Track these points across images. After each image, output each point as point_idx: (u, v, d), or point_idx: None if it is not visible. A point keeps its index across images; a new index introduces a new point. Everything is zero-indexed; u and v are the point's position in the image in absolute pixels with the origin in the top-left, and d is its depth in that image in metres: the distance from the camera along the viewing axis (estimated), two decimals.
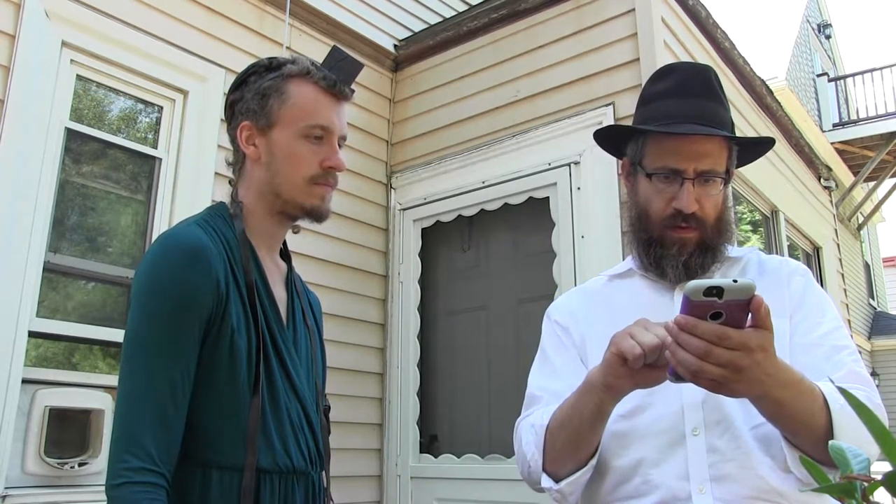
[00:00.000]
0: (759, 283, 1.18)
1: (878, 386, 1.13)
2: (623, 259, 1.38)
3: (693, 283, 0.84)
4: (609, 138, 1.34)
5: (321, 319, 1.41)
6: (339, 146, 1.25)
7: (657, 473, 1.09)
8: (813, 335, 1.13)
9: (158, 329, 1.05)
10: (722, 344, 0.86)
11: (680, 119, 1.17)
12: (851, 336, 1.21)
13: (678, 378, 0.90)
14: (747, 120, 4.17)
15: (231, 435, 1.09)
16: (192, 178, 2.99)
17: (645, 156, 1.21)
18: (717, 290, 0.82)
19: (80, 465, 2.45)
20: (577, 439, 1.07)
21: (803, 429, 0.97)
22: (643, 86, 1.30)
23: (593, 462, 1.10)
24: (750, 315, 0.86)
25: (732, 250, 1.24)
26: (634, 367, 0.95)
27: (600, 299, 1.29)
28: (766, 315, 0.87)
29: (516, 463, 1.21)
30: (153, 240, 2.83)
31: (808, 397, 0.96)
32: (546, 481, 1.12)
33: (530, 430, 1.16)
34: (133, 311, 1.08)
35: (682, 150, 1.16)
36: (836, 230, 6.28)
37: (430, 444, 3.61)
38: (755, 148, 1.31)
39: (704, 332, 0.86)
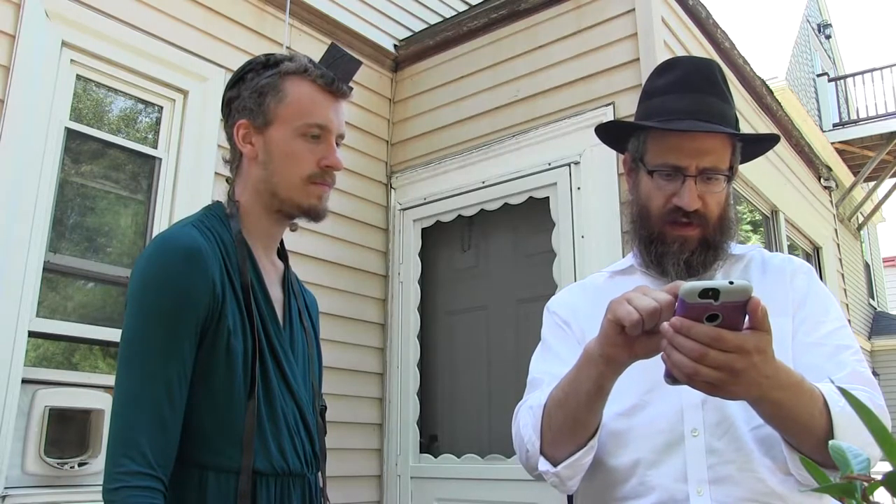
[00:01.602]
0: (761, 281, 1.18)
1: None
2: (623, 258, 1.37)
3: (688, 284, 0.82)
4: (611, 133, 1.33)
5: (318, 319, 1.40)
6: (337, 145, 1.23)
7: (654, 474, 1.07)
8: (816, 335, 1.11)
9: (154, 331, 1.05)
10: (717, 346, 0.84)
11: (682, 115, 1.15)
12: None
13: (675, 380, 0.88)
14: (747, 120, 4.16)
15: (227, 437, 1.08)
16: (192, 178, 2.99)
17: (646, 152, 1.20)
18: (712, 292, 0.81)
19: (80, 465, 2.45)
20: (575, 418, 1.04)
21: (803, 431, 0.95)
22: (646, 79, 1.28)
23: (593, 443, 1.07)
24: (747, 317, 0.85)
25: (735, 248, 1.23)
26: (632, 335, 0.91)
27: (600, 295, 1.26)
28: (763, 317, 0.85)
29: (515, 447, 1.17)
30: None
31: (808, 399, 0.94)
32: (543, 464, 1.09)
33: (528, 411, 1.14)
34: (129, 313, 1.08)
35: (683, 147, 1.14)
36: (836, 230, 6.28)
37: (430, 444, 3.61)
38: (759, 144, 1.28)
39: (699, 335, 0.84)
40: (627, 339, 0.92)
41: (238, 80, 1.24)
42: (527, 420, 1.13)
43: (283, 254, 1.32)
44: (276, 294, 1.23)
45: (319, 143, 1.20)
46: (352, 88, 1.27)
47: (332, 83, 1.22)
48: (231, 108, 1.24)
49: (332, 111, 1.22)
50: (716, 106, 1.17)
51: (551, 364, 1.20)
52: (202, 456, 1.07)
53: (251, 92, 1.21)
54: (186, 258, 1.08)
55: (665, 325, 0.87)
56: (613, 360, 0.96)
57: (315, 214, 1.22)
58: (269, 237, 1.26)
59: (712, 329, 0.84)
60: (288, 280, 1.29)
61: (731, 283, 0.81)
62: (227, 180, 1.28)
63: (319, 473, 1.24)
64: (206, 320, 1.08)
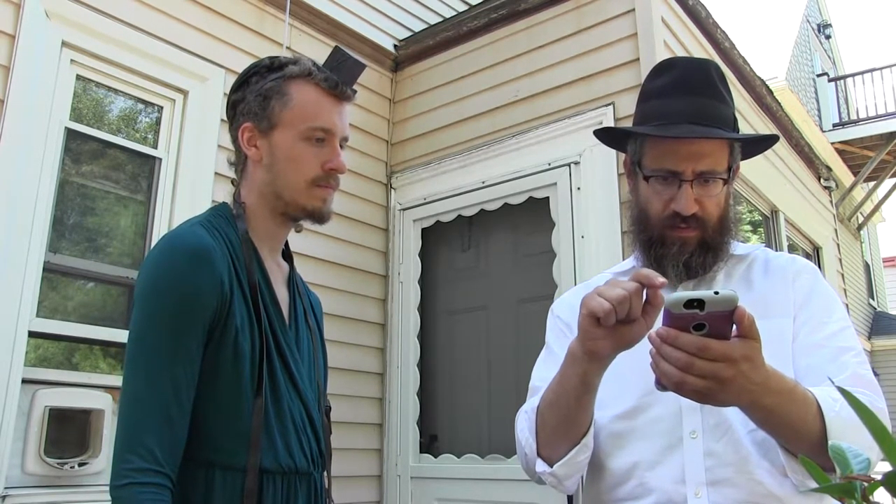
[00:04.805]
0: (763, 281, 1.18)
1: None
2: (623, 258, 1.37)
3: (673, 295, 0.83)
4: (610, 136, 1.33)
5: (322, 319, 1.41)
6: (341, 147, 1.24)
7: (653, 476, 1.08)
8: (818, 336, 1.11)
9: (162, 330, 1.05)
10: (703, 356, 0.85)
11: (677, 118, 1.15)
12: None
13: (664, 388, 0.90)
14: (747, 120, 4.17)
15: (234, 435, 1.09)
16: (192, 178, 2.99)
17: (643, 156, 1.19)
18: (697, 302, 0.81)
19: (80, 465, 2.45)
20: (566, 416, 1.06)
21: (796, 436, 0.96)
22: (644, 81, 1.28)
23: (587, 441, 1.08)
24: (735, 325, 0.86)
25: (738, 248, 1.22)
26: (608, 325, 0.92)
27: None
28: (749, 325, 0.85)
29: (517, 454, 1.19)
30: (154, 240, 2.84)
31: (801, 405, 0.95)
32: (540, 465, 1.10)
33: (524, 415, 1.16)
34: (136, 312, 1.08)
35: (679, 152, 1.14)
36: (836, 230, 6.28)
37: (430, 444, 3.61)
38: (758, 143, 1.28)
39: (685, 345, 0.85)
40: (605, 331, 0.94)
41: (242, 82, 1.25)
42: (523, 424, 1.15)
43: (287, 255, 1.33)
44: (281, 294, 1.25)
45: (324, 147, 1.21)
46: (356, 91, 1.27)
47: (337, 86, 1.22)
48: (236, 110, 1.24)
49: (337, 114, 1.23)
50: (712, 108, 1.16)
51: (552, 371, 1.20)
52: (209, 454, 1.08)
53: (256, 95, 1.21)
54: (194, 258, 1.08)
55: (652, 333, 0.89)
56: (595, 355, 0.98)
57: (319, 217, 1.23)
58: (274, 238, 1.27)
59: (698, 339, 0.85)
60: (293, 280, 1.30)
61: (717, 293, 0.81)
62: (232, 182, 1.29)
63: (325, 473, 1.25)
64: (214, 319, 1.09)
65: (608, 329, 0.93)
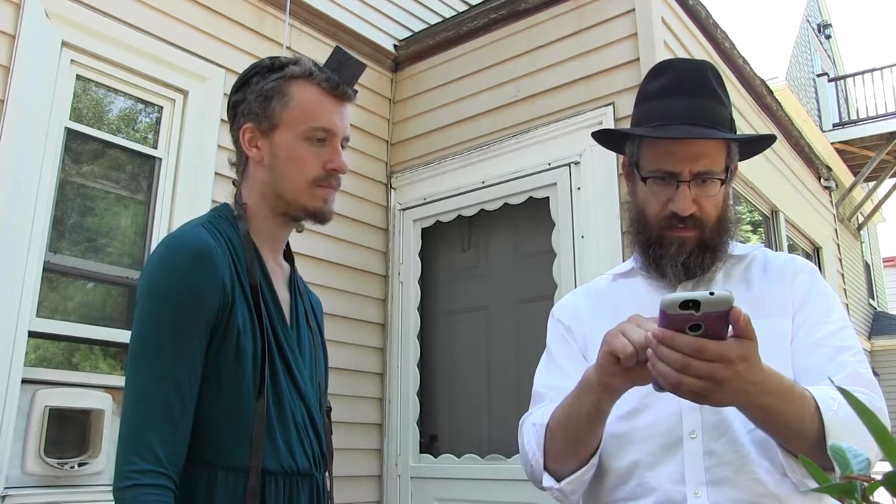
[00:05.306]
0: (762, 281, 1.18)
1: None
2: (623, 258, 1.38)
3: (669, 296, 0.83)
4: (608, 137, 1.33)
5: (322, 320, 1.41)
6: (342, 147, 1.24)
7: (653, 476, 1.08)
8: (816, 335, 1.11)
9: (164, 331, 1.06)
10: (700, 356, 0.85)
11: (674, 119, 1.15)
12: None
13: (661, 388, 0.90)
14: (747, 120, 4.17)
15: (236, 436, 1.09)
16: (192, 178, 2.99)
17: (641, 157, 1.20)
18: (693, 303, 0.82)
19: (80, 465, 2.45)
20: (575, 438, 1.07)
21: (794, 436, 0.96)
22: (641, 82, 1.28)
23: (595, 460, 1.10)
24: (731, 325, 0.86)
25: (737, 248, 1.23)
26: (627, 365, 0.93)
27: (603, 299, 1.28)
28: (745, 325, 0.86)
29: (521, 461, 1.20)
30: (154, 240, 2.84)
31: (798, 405, 0.95)
32: (547, 480, 1.12)
33: (531, 428, 1.16)
34: (139, 313, 1.08)
35: (676, 153, 1.14)
36: (836, 230, 6.28)
37: (430, 444, 3.61)
38: (756, 143, 1.28)
39: (681, 346, 0.85)
40: (623, 369, 0.95)
41: (243, 83, 1.25)
42: (531, 437, 1.16)
43: (289, 255, 1.33)
44: (282, 295, 1.25)
45: (325, 147, 1.21)
46: (356, 91, 1.27)
47: (337, 87, 1.22)
48: (236, 111, 1.24)
49: (337, 114, 1.23)
50: (709, 108, 1.16)
51: (555, 377, 1.22)
52: (211, 455, 1.08)
53: (256, 96, 1.21)
54: (196, 258, 1.09)
55: (648, 334, 0.89)
56: (610, 388, 0.99)
57: (320, 217, 1.24)
58: (276, 239, 1.27)
59: (694, 339, 0.85)
60: (294, 281, 1.30)
61: (712, 293, 0.82)
62: (233, 182, 1.29)
63: (326, 474, 1.25)
64: (216, 320, 1.09)
65: (627, 367, 0.94)
